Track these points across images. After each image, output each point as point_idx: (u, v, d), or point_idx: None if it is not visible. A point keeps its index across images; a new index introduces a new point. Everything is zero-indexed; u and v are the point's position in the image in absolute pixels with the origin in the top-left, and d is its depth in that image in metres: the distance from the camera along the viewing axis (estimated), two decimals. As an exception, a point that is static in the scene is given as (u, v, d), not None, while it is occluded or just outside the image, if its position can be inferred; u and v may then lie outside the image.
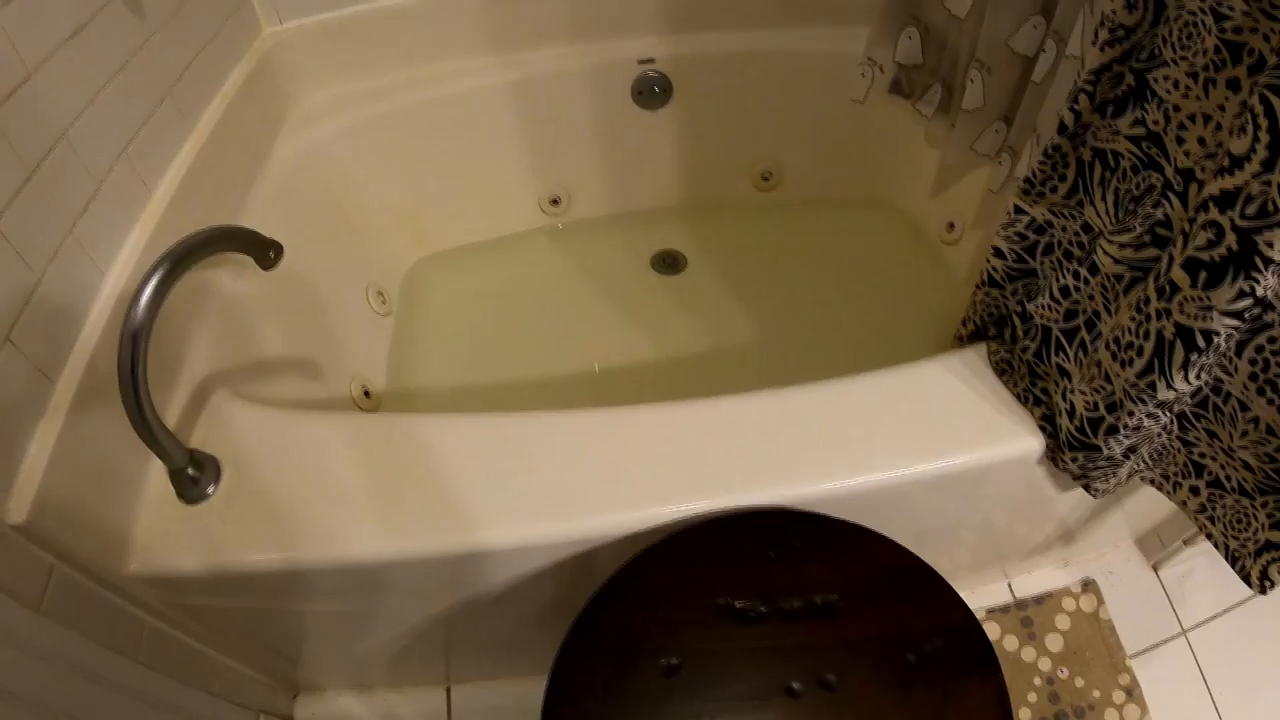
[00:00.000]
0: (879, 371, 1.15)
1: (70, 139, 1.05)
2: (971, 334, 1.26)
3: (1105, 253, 0.98)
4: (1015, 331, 1.14)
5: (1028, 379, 1.12)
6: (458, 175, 1.95)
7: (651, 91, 1.92)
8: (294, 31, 1.73)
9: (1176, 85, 0.89)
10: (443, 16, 1.81)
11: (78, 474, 0.93)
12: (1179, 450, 1.06)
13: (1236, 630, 1.51)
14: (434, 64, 1.87)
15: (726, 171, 2.08)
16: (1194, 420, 1.01)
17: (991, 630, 1.49)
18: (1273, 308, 0.84)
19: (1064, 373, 1.07)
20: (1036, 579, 1.56)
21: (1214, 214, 0.79)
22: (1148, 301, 0.90)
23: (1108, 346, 0.97)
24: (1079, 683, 1.43)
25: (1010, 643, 1.48)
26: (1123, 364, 0.95)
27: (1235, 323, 0.83)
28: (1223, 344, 0.86)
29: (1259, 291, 0.79)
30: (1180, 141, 0.90)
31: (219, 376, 1.19)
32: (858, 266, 1.97)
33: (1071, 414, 1.04)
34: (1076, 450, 1.05)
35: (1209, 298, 0.82)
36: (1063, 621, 1.50)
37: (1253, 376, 0.91)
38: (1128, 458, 1.07)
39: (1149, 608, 1.54)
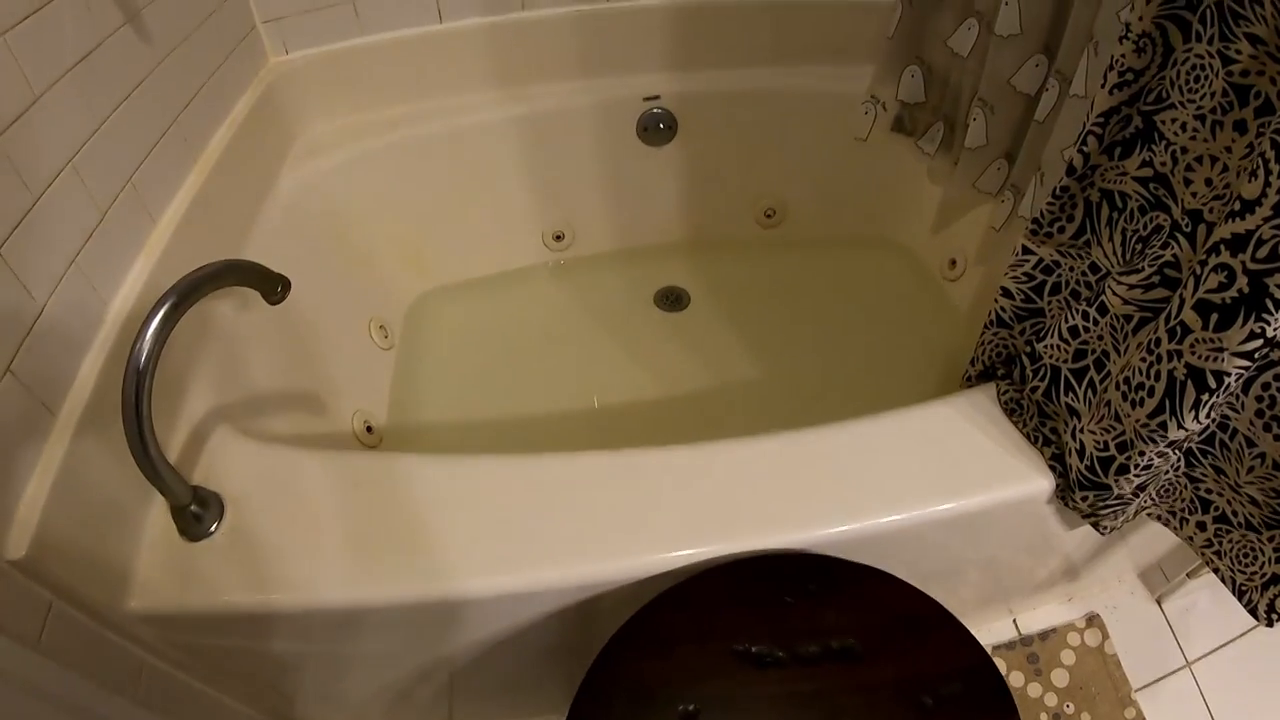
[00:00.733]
0: (890, 413, 1.15)
1: (76, 166, 1.04)
2: (980, 374, 1.26)
3: (1114, 293, 0.98)
4: (1024, 371, 1.14)
5: (1037, 418, 1.12)
6: (462, 209, 1.95)
7: (656, 128, 1.94)
8: (300, 61, 1.74)
9: (1184, 128, 0.89)
10: (449, 50, 1.83)
11: (78, 508, 0.91)
12: (1186, 486, 1.06)
13: (1241, 662, 1.51)
14: (440, 97, 1.88)
15: (730, 208, 2.09)
16: (1200, 457, 1.01)
17: (998, 667, 1.47)
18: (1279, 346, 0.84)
19: (1073, 412, 1.06)
20: (1041, 615, 1.55)
21: (1225, 257, 0.80)
22: (1159, 343, 0.90)
23: (1118, 386, 0.97)
24: (1085, 717, 1.42)
25: (1016, 679, 1.47)
26: (1133, 404, 0.95)
27: (1245, 363, 0.83)
28: (1232, 383, 0.86)
29: (1269, 333, 0.79)
30: (1188, 183, 0.90)
31: (221, 410, 1.18)
32: (860, 303, 1.97)
33: (1081, 453, 1.04)
34: (1087, 489, 1.04)
35: (1220, 339, 0.82)
36: (1068, 656, 1.49)
37: (1259, 413, 0.92)
38: (1137, 495, 1.07)
39: (1153, 641, 1.53)
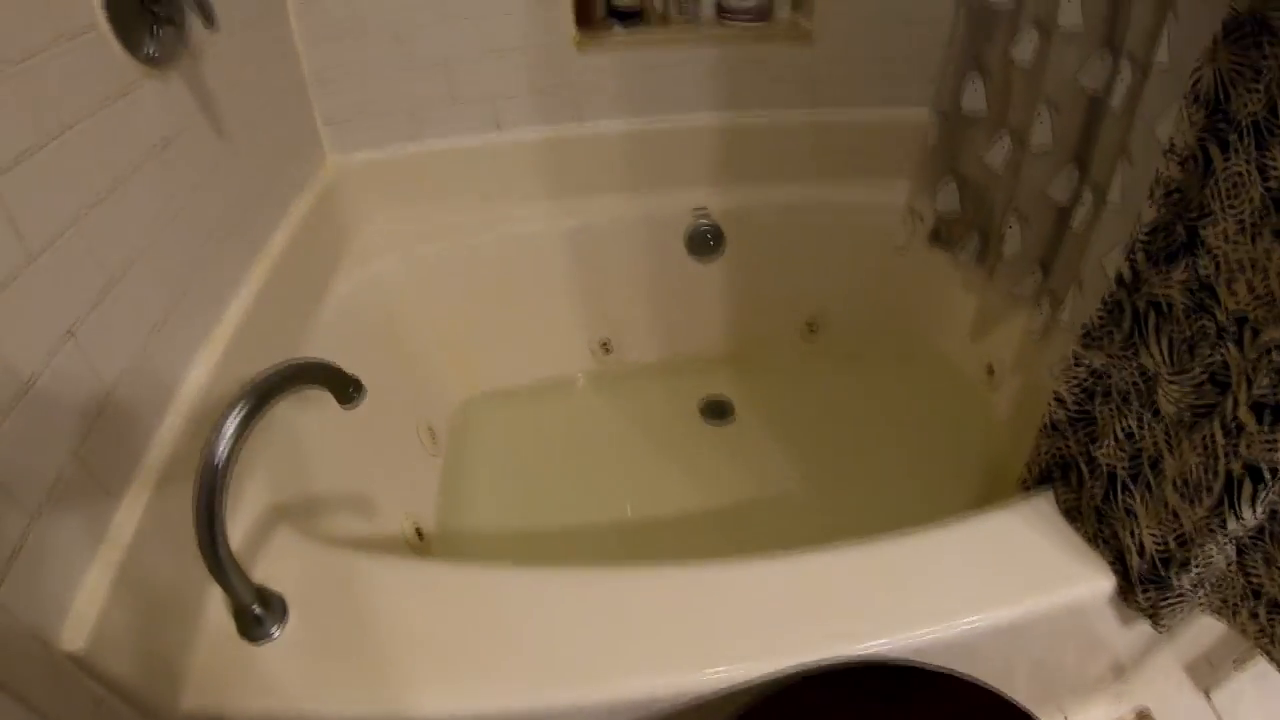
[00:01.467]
0: (954, 523, 1.16)
1: (149, 254, 1.06)
2: (1037, 479, 1.27)
3: (1166, 396, 1.00)
4: (1082, 476, 1.15)
5: (1096, 521, 1.12)
6: (511, 316, 1.99)
7: (704, 241, 1.99)
8: (358, 164, 1.81)
9: (1226, 237, 0.92)
10: (504, 161, 1.90)
11: (137, 602, 0.90)
12: (1238, 577, 1.06)
13: (1290, 747, 1.47)
14: (493, 205, 1.94)
15: (773, 321, 2.13)
16: (1252, 547, 1.02)
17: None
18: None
19: (1131, 513, 1.07)
20: (1091, 713, 1.52)
21: (1276, 359, 0.82)
22: (1214, 441, 0.91)
23: (1175, 487, 0.98)
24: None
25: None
26: (1191, 502, 0.95)
27: (1299, 456, 0.84)
28: (1285, 474, 0.87)
29: (1323, 429, 0.80)
30: (1230, 288, 0.92)
31: (278, 508, 1.18)
32: (901, 413, 1.99)
33: (1142, 552, 1.04)
34: (1148, 588, 1.04)
35: (1276, 435, 0.84)
36: (1123, 751, 1.45)
37: (1306, 501, 0.92)
38: (1195, 590, 1.07)
39: (1203, 731, 1.49)
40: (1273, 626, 1.04)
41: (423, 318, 1.87)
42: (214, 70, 1.28)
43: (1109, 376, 1.12)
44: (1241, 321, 0.91)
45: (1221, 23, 0.87)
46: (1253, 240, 0.89)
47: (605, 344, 2.10)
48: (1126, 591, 1.08)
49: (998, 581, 1.08)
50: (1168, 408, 1.00)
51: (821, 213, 1.97)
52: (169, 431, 1.05)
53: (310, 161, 1.72)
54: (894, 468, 1.85)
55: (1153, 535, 1.02)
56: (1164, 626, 1.11)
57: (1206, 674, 1.54)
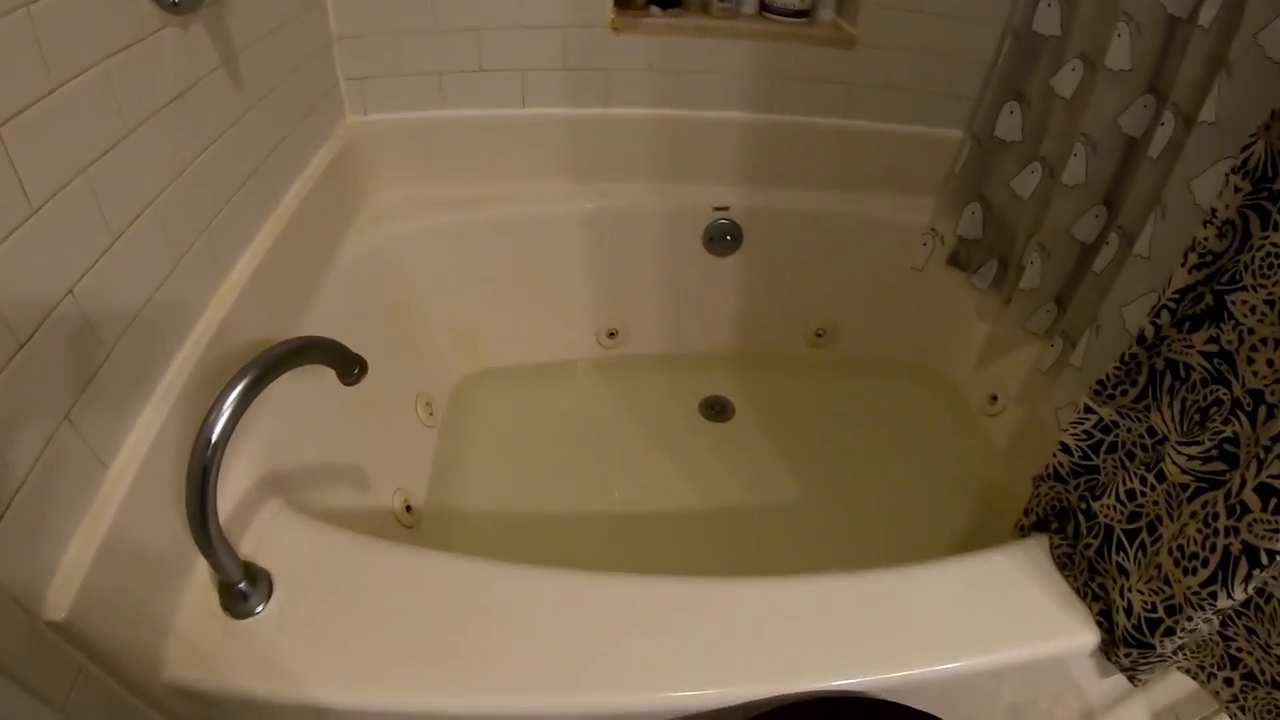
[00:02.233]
0: (946, 560, 1.16)
1: (157, 207, 1.03)
2: (1034, 524, 1.26)
3: (1173, 462, 0.99)
4: (1079, 527, 1.15)
5: (1087, 574, 1.12)
6: (520, 294, 1.98)
7: (722, 239, 1.97)
8: (377, 125, 1.79)
9: (1253, 310, 0.91)
10: (529, 136, 1.88)
11: (122, 572, 0.89)
12: (1218, 644, 1.06)
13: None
14: (513, 181, 1.92)
15: (782, 325, 2.11)
16: (1234, 617, 1.02)
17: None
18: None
19: (1123, 571, 1.06)
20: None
21: (1289, 445, 0.81)
22: (1216, 517, 0.90)
23: (1170, 552, 0.98)
24: None
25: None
26: (1185, 571, 0.95)
27: (1300, 544, 0.83)
28: (1282, 557, 0.87)
29: (1328, 520, 0.80)
30: (1250, 362, 0.92)
31: (269, 479, 1.18)
32: (900, 431, 1.98)
33: (1129, 612, 1.03)
34: (1131, 648, 1.04)
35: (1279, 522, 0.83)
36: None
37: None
38: (1175, 653, 1.07)
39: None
40: (1245, 696, 1.05)
41: (430, 288, 1.86)
42: (238, 21, 1.25)
43: (1117, 431, 1.11)
44: (1258, 397, 0.90)
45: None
46: (1280, 317, 0.88)
47: (612, 332, 2.09)
48: (1109, 648, 1.08)
49: (983, 626, 1.07)
50: (1173, 473, 0.99)
51: (842, 223, 1.95)
52: (165, 396, 1.03)
53: (329, 118, 1.70)
54: (888, 485, 1.85)
55: (1142, 597, 1.01)
56: (1141, 682, 1.12)
57: (1172, 726, 1.55)
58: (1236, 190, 0.90)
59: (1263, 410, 0.90)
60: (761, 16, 1.83)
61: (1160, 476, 1.02)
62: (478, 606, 1.03)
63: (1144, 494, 1.05)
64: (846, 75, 1.82)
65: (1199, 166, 1.19)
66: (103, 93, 0.92)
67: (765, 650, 1.02)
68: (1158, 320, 1.01)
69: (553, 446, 1.90)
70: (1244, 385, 0.92)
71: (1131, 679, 1.12)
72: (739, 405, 2.03)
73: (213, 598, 1.01)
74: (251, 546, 1.08)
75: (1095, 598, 1.10)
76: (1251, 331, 0.92)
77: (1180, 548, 0.96)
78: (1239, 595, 0.91)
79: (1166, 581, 0.98)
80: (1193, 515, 0.95)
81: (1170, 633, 1.00)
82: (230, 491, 1.13)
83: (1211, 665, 1.08)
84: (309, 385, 1.33)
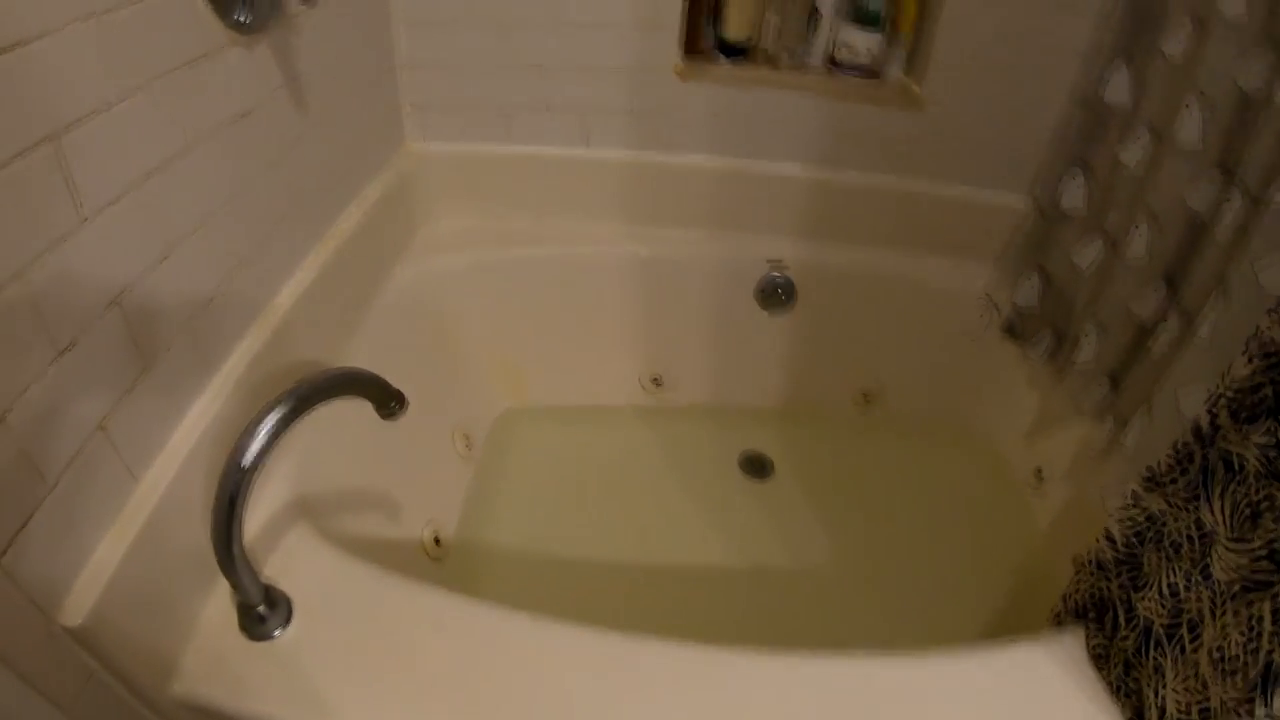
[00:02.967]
0: (977, 649, 1.12)
1: (209, 226, 1.04)
2: (1070, 612, 1.22)
3: (1220, 560, 0.95)
4: (1117, 621, 1.10)
5: (1122, 669, 1.07)
6: (566, 335, 1.98)
7: (775, 294, 1.96)
8: (437, 154, 1.81)
9: (1315, 407, 0.88)
10: (588, 176, 1.89)
11: (142, 583, 0.90)
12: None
13: None
14: (568, 220, 1.93)
15: (830, 385, 2.08)
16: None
17: None
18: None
19: (1159, 670, 1.02)
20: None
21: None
22: (1260, 621, 0.86)
23: (1210, 655, 0.93)
24: None
25: None
26: (1224, 675, 0.90)
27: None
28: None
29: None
30: (1310, 459, 0.88)
31: (299, 502, 1.18)
32: (941, 500, 1.93)
33: (1163, 715, 0.99)
34: (1163, 753, 1.00)
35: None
36: None
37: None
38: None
39: None
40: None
41: (476, 320, 1.87)
42: (305, 43, 1.27)
43: (1164, 522, 1.07)
44: (1315, 497, 0.87)
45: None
46: (1343, 417, 0.85)
47: (657, 379, 2.08)
48: (1142, 750, 1.04)
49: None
50: (1219, 573, 0.95)
51: (898, 285, 1.93)
52: (204, 412, 1.04)
53: (390, 144, 1.73)
54: (925, 555, 1.80)
55: (1177, 699, 0.97)
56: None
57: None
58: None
59: (1319, 511, 0.86)
60: (828, 72, 1.82)
61: (1205, 574, 0.98)
62: (496, 654, 1.01)
63: (1187, 591, 1.01)
64: (911, 135, 1.81)
65: (1266, 251, 1.16)
66: (164, 107, 0.94)
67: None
68: (1214, 411, 0.97)
69: (587, 490, 1.89)
70: (1300, 484, 0.89)
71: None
72: (779, 463, 1.99)
73: (231, 617, 1.02)
74: (275, 569, 1.08)
75: (1129, 696, 1.06)
76: (1311, 428, 0.88)
77: (1221, 653, 0.92)
78: (1277, 710, 0.87)
79: (1204, 686, 0.94)
80: (1236, 617, 0.91)
81: (1204, 739, 0.96)
82: (259, 511, 1.13)
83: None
84: (348, 409, 1.32)
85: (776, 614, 1.65)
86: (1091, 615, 1.18)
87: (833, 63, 1.82)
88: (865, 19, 1.75)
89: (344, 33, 1.43)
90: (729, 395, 2.10)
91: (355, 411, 1.25)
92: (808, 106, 1.80)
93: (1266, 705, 0.86)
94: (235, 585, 0.95)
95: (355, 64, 1.49)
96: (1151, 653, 1.03)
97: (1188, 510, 1.04)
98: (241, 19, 1.07)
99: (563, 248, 1.89)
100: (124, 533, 0.88)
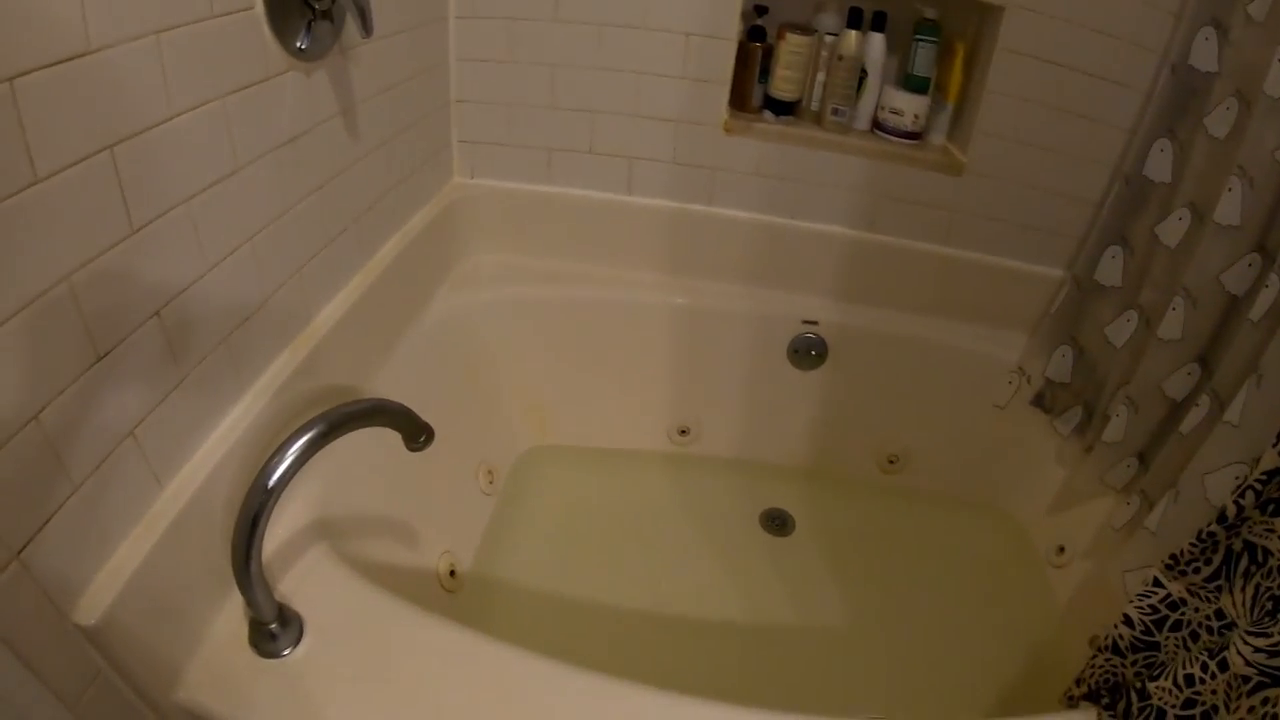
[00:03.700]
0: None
1: (255, 244, 1.06)
2: (1084, 695, 1.20)
3: (1238, 651, 0.93)
4: (1130, 707, 1.08)
5: (1132, 757, 1.06)
6: (597, 378, 1.99)
7: (808, 352, 1.96)
8: (482, 190, 1.84)
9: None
10: (628, 223, 1.91)
11: (157, 589, 0.90)
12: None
13: None
14: (606, 264, 1.95)
15: (856, 447, 2.07)
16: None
17: None
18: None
19: (1171, 758, 1.00)
20: None
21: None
22: (1276, 718, 0.85)
23: (1223, 747, 0.92)
24: None
25: None
26: (1237, 770, 0.89)
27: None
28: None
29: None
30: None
31: (320, 523, 1.19)
32: (960, 569, 1.90)
33: (1172, 805, 0.97)
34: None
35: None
36: None
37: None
38: None
39: None
40: None
41: (509, 357, 1.88)
42: (361, 72, 1.30)
43: (1184, 609, 1.06)
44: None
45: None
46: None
47: (684, 430, 2.08)
48: (1150, 839, 1.01)
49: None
50: (1237, 663, 0.93)
51: (930, 350, 1.92)
52: (234, 426, 1.06)
53: (438, 177, 1.76)
54: (940, 624, 1.77)
55: (1190, 789, 0.95)
56: None
57: None
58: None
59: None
60: (873, 134, 1.84)
61: (1223, 665, 0.96)
62: (503, 694, 1.00)
63: (1203, 681, 0.99)
64: (951, 202, 1.81)
65: (1302, 335, 1.15)
66: (218, 127, 0.97)
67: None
68: (1241, 500, 0.96)
69: (606, 534, 1.88)
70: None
71: None
72: (800, 521, 1.98)
73: (242, 631, 1.02)
74: (290, 587, 1.08)
75: (1140, 780, 1.04)
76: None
77: (1235, 743, 0.90)
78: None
79: (1217, 776, 0.92)
80: (1250, 711, 0.89)
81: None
82: (280, 529, 1.14)
83: None
84: (376, 435, 1.34)
85: (785, 673, 1.62)
86: (1105, 699, 1.16)
87: (876, 125, 1.84)
88: (912, 83, 1.77)
89: (402, 65, 1.46)
90: (755, 450, 2.09)
91: (382, 439, 1.27)
92: (851, 167, 1.81)
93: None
94: (250, 601, 0.95)
95: (410, 97, 1.53)
96: (1164, 741, 1.02)
97: (1209, 599, 1.03)
98: (301, 45, 1.10)
99: (599, 291, 1.91)
100: (145, 538, 0.89)
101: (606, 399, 2.02)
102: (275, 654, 1.00)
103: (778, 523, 1.97)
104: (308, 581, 1.10)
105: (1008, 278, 1.86)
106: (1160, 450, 1.47)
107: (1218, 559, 1.01)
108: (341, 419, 0.97)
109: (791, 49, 1.76)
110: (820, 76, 1.82)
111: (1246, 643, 0.92)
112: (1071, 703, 1.21)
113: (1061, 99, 1.65)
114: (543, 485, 1.95)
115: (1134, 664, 1.13)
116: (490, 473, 1.84)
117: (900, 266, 1.90)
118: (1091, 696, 1.19)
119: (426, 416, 1.14)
